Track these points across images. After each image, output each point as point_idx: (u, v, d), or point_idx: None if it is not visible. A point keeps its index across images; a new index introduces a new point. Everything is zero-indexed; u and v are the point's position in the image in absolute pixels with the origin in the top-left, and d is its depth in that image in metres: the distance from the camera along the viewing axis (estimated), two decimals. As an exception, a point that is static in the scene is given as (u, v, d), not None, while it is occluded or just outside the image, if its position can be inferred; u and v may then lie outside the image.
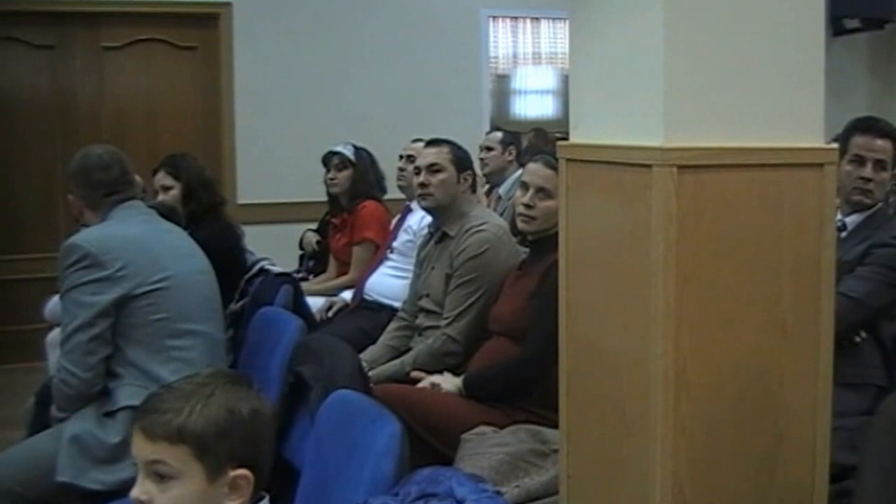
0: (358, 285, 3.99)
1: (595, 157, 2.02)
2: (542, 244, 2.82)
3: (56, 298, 2.96)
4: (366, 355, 3.13)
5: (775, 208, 1.82)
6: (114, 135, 5.46)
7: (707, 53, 1.80)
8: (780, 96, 1.85)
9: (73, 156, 2.73)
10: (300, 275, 4.53)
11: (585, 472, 2.11)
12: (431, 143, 3.40)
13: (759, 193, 1.81)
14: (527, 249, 3.00)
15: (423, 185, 3.22)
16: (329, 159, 4.42)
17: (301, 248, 4.88)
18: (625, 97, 1.92)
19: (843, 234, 2.68)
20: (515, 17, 6.62)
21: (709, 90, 1.81)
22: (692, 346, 1.77)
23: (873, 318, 2.61)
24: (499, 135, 5.04)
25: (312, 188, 4.78)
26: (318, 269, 4.62)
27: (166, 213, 2.95)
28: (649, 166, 1.76)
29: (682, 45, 1.79)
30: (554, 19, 6.61)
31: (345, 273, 4.31)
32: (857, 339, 2.60)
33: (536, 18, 6.65)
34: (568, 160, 2.14)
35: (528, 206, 2.83)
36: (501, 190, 4.83)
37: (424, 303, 3.22)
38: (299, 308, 3.32)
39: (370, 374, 2.84)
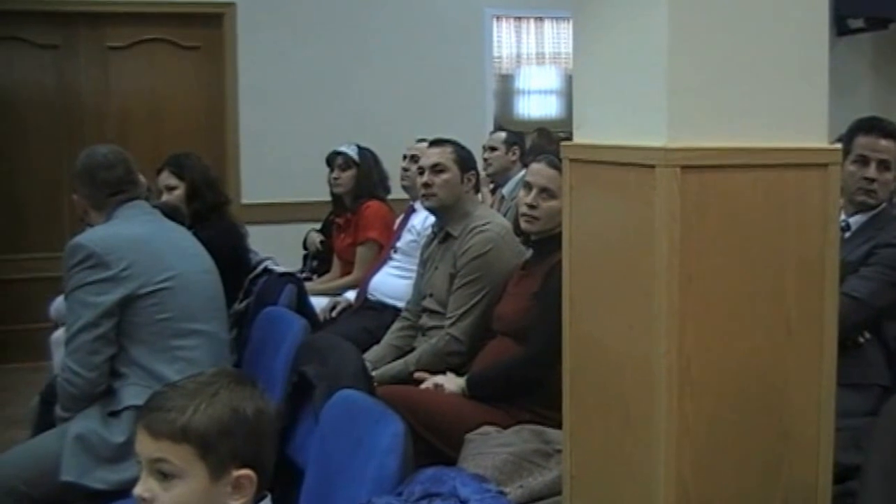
0: (361, 285, 3.99)
1: (599, 157, 2.01)
2: (545, 244, 2.82)
3: (62, 298, 2.96)
4: (369, 355, 3.13)
5: (779, 208, 1.81)
6: (118, 134, 5.48)
7: (711, 54, 1.80)
8: (784, 96, 1.85)
9: (77, 155, 2.74)
10: (304, 274, 4.54)
11: (589, 472, 2.11)
12: (435, 143, 3.40)
13: (762, 193, 1.80)
14: (530, 249, 3.00)
15: (426, 185, 3.22)
16: (333, 159, 4.42)
17: (305, 247, 4.88)
18: (628, 97, 1.92)
19: (847, 234, 2.68)
20: (519, 17, 6.60)
21: (712, 90, 1.81)
22: (696, 345, 1.77)
23: (877, 318, 2.62)
24: (502, 135, 5.03)
25: (316, 188, 4.78)
26: (322, 269, 4.63)
27: (170, 212, 2.95)
28: (653, 166, 1.76)
29: (686, 45, 1.78)
30: (558, 19, 6.59)
31: (348, 273, 4.32)
32: (861, 340, 2.60)
33: (540, 18, 6.63)
34: (571, 160, 2.13)
35: (531, 207, 2.83)
36: (505, 190, 4.82)
37: (428, 303, 3.22)
38: (303, 308, 3.33)
39: (374, 373, 2.84)
